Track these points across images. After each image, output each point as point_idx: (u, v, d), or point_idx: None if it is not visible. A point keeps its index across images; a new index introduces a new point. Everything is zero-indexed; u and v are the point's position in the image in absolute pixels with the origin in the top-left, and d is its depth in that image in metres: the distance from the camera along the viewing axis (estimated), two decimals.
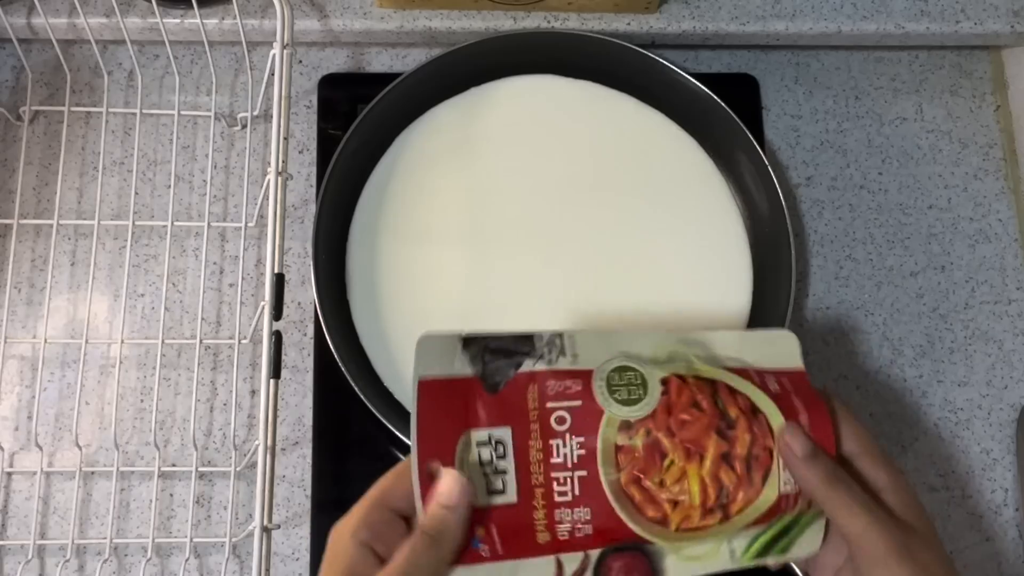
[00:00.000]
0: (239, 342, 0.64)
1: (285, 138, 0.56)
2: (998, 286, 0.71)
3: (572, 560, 0.41)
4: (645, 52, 0.67)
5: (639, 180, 0.68)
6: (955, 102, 0.75)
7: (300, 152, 0.70)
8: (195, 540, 0.61)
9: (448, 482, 0.39)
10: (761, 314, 0.65)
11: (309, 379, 0.65)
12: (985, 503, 0.67)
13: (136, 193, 0.67)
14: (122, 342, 0.63)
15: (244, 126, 0.69)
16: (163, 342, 0.62)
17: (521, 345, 0.43)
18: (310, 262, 0.62)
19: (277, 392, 0.54)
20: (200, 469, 0.62)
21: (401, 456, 0.64)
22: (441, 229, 0.66)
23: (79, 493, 0.61)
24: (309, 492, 0.63)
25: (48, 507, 0.62)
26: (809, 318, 0.69)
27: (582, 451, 0.42)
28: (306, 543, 0.62)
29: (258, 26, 0.68)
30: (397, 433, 0.59)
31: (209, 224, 0.65)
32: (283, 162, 0.55)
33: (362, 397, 0.59)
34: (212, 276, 0.67)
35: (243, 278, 0.66)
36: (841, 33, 0.71)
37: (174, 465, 0.63)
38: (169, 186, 0.66)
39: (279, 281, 0.54)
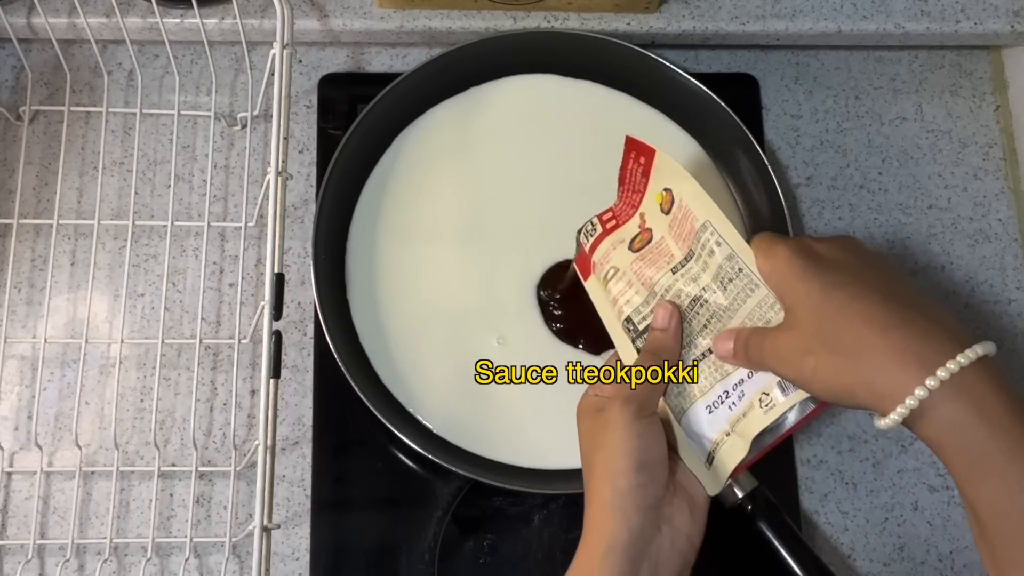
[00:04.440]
0: (239, 342, 0.64)
1: (285, 138, 0.56)
2: (998, 286, 0.71)
3: None
4: (645, 52, 0.67)
5: None
6: (955, 102, 0.75)
7: (300, 152, 0.70)
8: (195, 540, 0.61)
9: (660, 311, 0.50)
10: None
11: (309, 379, 0.65)
12: None
13: (136, 193, 0.67)
14: (122, 342, 0.63)
15: (244, 126, 0.69)
16: (163, 342, 0.62)
17: None
18: (310, 262, 0.62)
19: (277, 392, 0.54)
20: (200, 469, 0.62)
21: (400, 456, 0.64)
22: (441, 229, 0.66)
23: (79, 493, 0.61)
24: (309, 492, 0.63)
25: (48, 507, 0.62)
26: None
27: None
28: (306, 543, 0.62)
29: (258, 26, 0.68)
30: (397, 433, 0.59)
31: (209, 224, 0.65)
32: (283, 162, 0.55)
33: (362, 397, 0.59)
34: (212, 276, 0.67)
35: (243, 278, 0.66)
36: (841, 33, 0.71)
37: (174, 465, 0.63)
38: (169, 186, 0.66)
39: (279, 281, 0.54)
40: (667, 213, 0.52)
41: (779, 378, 0.47)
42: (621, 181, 0.55)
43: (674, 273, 0.51)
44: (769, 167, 0.65)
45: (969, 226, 0.72)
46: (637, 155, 0.53)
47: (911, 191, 0.73)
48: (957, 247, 0.72)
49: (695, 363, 0.50)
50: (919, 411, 0.40)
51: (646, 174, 0.53)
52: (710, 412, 0.49)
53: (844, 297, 0.43)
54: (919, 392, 0.39)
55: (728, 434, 0.49)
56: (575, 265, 0.56)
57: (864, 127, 0.74)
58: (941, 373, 0.39)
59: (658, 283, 0.51)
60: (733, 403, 0.49)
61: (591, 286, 0.55)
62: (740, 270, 0.48)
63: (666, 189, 0.52)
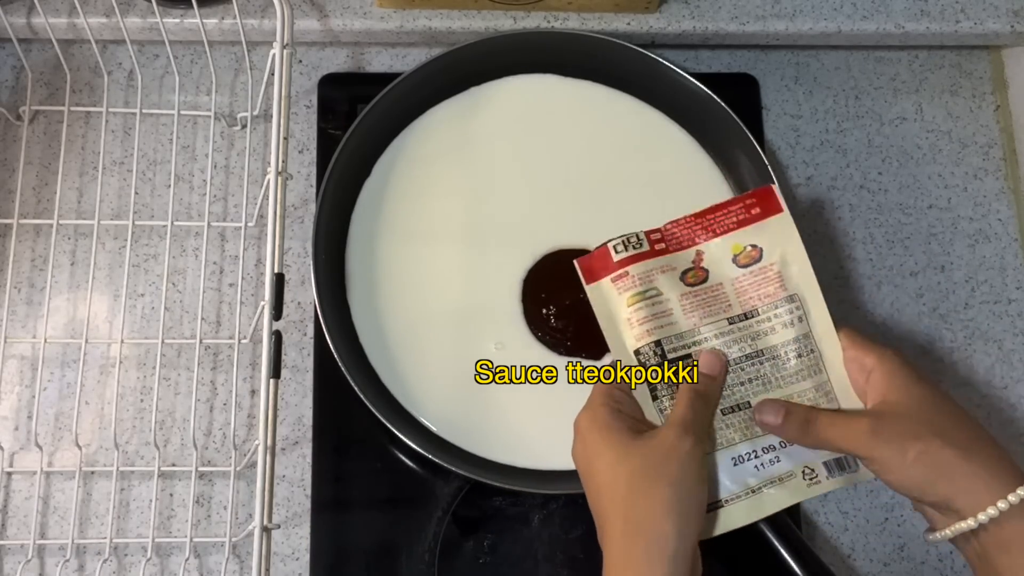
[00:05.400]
0: (239, 342, 0.64)
1: (285, 138, 0.56)
2: (998, 286, 0.71)
3: None
4: (645, 52, 0.67)
5: (639, 180, 0.68)
6: (955, 102, 0.75)
7: (300, 152, 0.70)
8: (195, 540, 0.61)
9: (712, 358, 0.51)
10: None
11: (309, 379, 0.65)
12: None
13: (136, 193, 0.67)
14: (122, 342, 0.63)
15: (244, 126, 0.69)
16: (163, 342, 0.62)
17: None
18: (310, 262, 0.62)
19: (277, 392, 0.54)
20: (200, 469, 0.62)
21: (400, 456, 0.64)
22: (440, 229, 0.66)
23: (79, 493, 0.61)
24: (309, 492, 0.63)
25: (48, 507, 0.62)
26: None
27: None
28: (306, 543, 0.62)
29: (258, 26, 0.68)
30: (397, 433, 0.59)
31: (209, 224, 0.65)
32: (283, 162, 0.55)
33: (362, 397, 0.59)
34: (212, 276, 0.67)
35: (243, 278, 0.66)
36: (841, 33, 0.71)
37: (174, 465, 0.63)
38: (169, 186, 0.66)
39: (279, 281, 0.54)
40: (741, 267, 0.53)
41: (827, 458, 0.50)
42: (701, 214, 0.54)
43: (730, 324, 0.52)
44: (769, 167, 0.65)
45: (969, 226, 0.72)
46: (752, 205, 0.54)
47: (911, 191, 0.73)
48: (957, 247, 0.72)
49: (723, 411, 0.51)
50: (997, 518, 0.44)
51: (743, 224, 0.53)
52: (735, 464, 0.50)
53: (952, 402, 0.48)
54: (1022, 491, 0.44)
55: (754, 491, 0.50)
56: (578, 263, 0.55)
57: (864, 127, 0.74)
58: (1020, 491, 0.44)
59: (706, 326, 0.52)
60: (762, 464, 0.50)
61: (601, 291, 0.54)
62: (812, 351, 0.51)
63: (753, 246, 0.53)
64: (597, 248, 0.54)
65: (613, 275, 0.53)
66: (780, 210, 0.53)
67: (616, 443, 0.47)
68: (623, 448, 0.47)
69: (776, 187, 0.54)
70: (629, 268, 0.53)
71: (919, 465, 0.46)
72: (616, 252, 0.53)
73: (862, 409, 0.50)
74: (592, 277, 0.54)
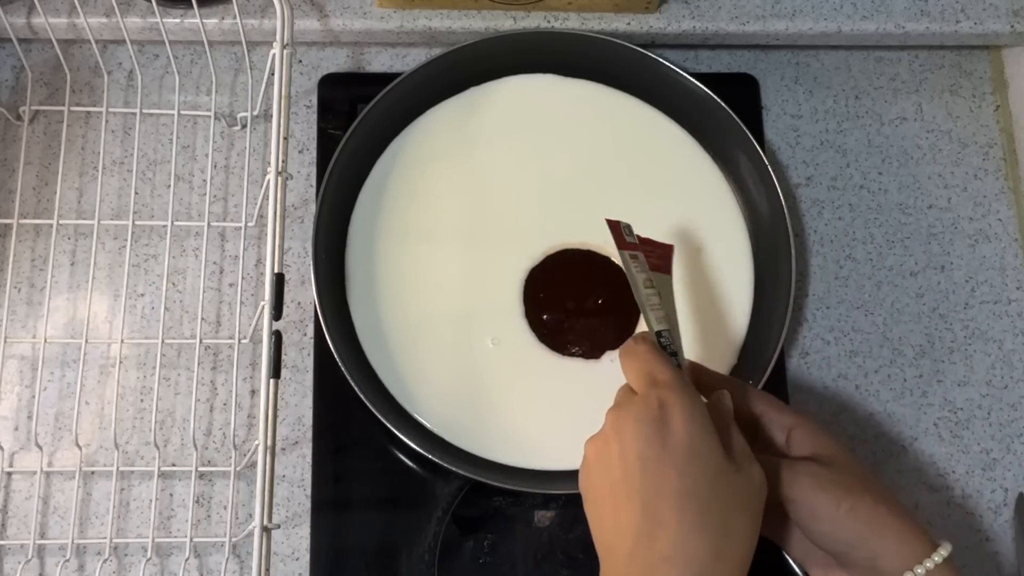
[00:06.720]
0: (239, 342, 0.64)
1: (285, 138, 0.56)
2: (998, 286, 0.71)
3: None
4: (645, 52, 0.67)
5: (639, 180, 0.68)
6: (955, 102, 0.75)
7: (300, 152, 0.70)
8: (195, 540, 0.61)
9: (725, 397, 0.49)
10: (761, 313, 0.65)
11: (309, 379, 0.65)
12: (985, 503, 0.67)
13: (136, 193, 0.67)
14: (122, 342, 0.63)
15: (244, 126, 0.69)
16: (163, 342, 0.62)
17: None
18: (310, 262, 0.62)
19: (277, 392, 0.54)
20: (200, 469, 0.62)
21: (400, 456, 0.64)
22: (440, 229, 0.66)
23: (79, 493, 0.61)
24: (309, 492, 0.63)
25: (48, 507, 0.62)
26: (809, 318, 0.69)
27: None
28: (306, 543, 0.62)
29: (258, 26, 0.68)
30: (397, 433, 0.59)
31: (209, 224, 0.65)
32: (283, 162, 0.55)
33: (362, 397, 0.59)
34: (212, 276, 0.67)
35: (243, 278, 0.66)
36: (841, 33, 0.71)
37: (174, 465, 0.63)
38: (169, 186, 0.66)
39: (279, 281, 0.54)
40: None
41: None
42: (644, 241, 0.55)
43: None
44: (769, 167, 0.65)
45: (969, 226, 0.72)
46: (661, 256, 0.55)
47: (911, 191, 0.73)
48: (957, 247, 0.72)
49: None
50: None
51: (655, 268, 0.54)
52: None
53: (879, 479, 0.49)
54: (943, 551, 0.46)
55: None
56: (609, 223, 0.54)
57: (864, 127, 0.74)
58: (943, 551, 0.46)
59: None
60: None
61: (626, 261, 0.53)
62: None
63: (657, 293, 0.53)
64: (616, 220, 0.54)
65: (630, 252, 0.53)
66: (669, 273, 0.55)
67: (717, 458, 0.44)
68: (721, 465, 0.44)
69: (675, 249, 0.56)
70: (638, 253, 0.53)
71: (851, 518, 0.46)
72: (627, 234, 0.54)
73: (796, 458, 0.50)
74: (618, 244, 0.54)
